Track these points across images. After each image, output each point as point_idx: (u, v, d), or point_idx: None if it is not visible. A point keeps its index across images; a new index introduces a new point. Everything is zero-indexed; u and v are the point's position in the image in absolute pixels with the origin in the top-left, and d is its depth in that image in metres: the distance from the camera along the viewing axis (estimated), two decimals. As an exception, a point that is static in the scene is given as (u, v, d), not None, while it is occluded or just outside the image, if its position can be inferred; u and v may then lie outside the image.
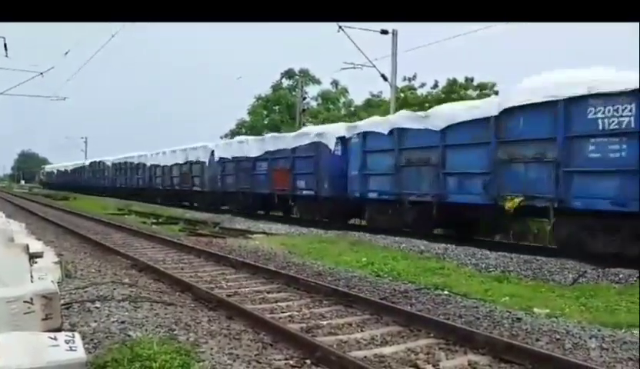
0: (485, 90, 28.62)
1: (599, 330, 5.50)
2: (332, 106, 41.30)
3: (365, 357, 4.70)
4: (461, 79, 29.33)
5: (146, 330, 5.20)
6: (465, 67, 66.02)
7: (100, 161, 43.86)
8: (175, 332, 5.24)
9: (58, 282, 5.25)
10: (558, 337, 5.32)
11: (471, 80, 29.18)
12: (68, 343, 3.18)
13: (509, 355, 4.64)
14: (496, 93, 28.11)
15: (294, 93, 39.36)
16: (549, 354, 4.58)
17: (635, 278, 7.92)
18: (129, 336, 4.96)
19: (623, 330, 5.53)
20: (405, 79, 30.76)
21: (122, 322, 5.46)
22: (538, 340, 5.27)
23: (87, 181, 46.99)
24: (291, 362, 4.59)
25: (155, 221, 20.29)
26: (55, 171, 64.60)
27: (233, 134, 43.42)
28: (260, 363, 4.53)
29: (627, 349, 4.92)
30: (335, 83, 41.62)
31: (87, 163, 49.80)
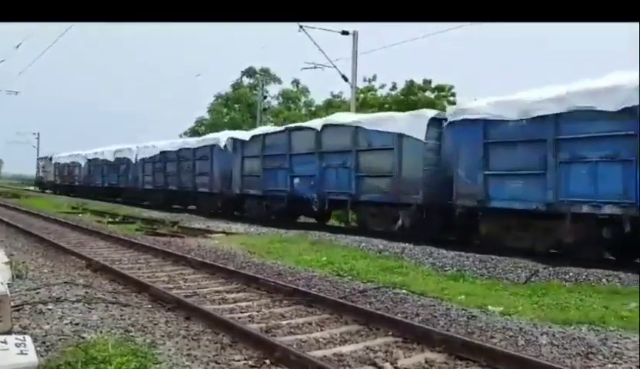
0: (442, 92, 29.17)
1: (550, 327, 5.69)
2: (293, 105, 41.30)
3: (325, 356, 4.72)
4: (419, 81, 29.78)
5: (101, 332, 5.08)
6: (424, 69, 67.05)
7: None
8: (131, 334, 5.14)
9: (7, 283, 5.07)
10: (511, 334, 5.48)
11: (429, 82, 29.66)
12: (18, 346, 3.08)
13: (465, 352, 4.75)
14: (453, 95, 28.72)
15: (254, 92, 39.14)
16: (503, 350, 4.71)
17: (583, 276, 8.23)
18: (83, 338, 4.84)
19: (572, 327, 5.73)
20: (365, 80, 31.07)
21: (76, 324, 5.32)
22: (492, 337, 5.41)
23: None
24: (250, 362, 4.57)
25: (111, 220, 19.81)
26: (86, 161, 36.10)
27: (192, 132, 42.88)
28: (219, 363, 4.50)
29: (575, 345, 5.11)
30: (296, 82, 41.67)
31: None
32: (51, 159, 43.66)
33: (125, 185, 29.47)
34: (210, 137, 22.71)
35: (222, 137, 21.04)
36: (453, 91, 29.03)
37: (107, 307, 6.13)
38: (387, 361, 4.63)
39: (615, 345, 5.06)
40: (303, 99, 42.37)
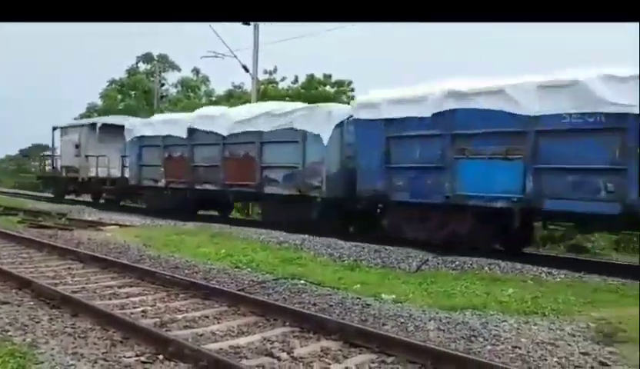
0: (342, 87, 29.76)
1: (437, 313, 6.03)
2: (193, 94, 40.19)
3: (221, 348, 4.67)
4: (319, 75, 30.18)
5: (-26, 332, 4.66)
6: (326, 64, 67.97)
7: None
8: (9, 333, 4.78)
9: None
10: (402, 320, 5.74)
11: (329, 77, 30.15)
12: None
13: (359, 339, 4.90)
14: (352, 90, 29.43)
15: (152, 78, 37.62)
16: (394, 336, 4.92)
17: (468, 265, 8.79)
18: (-48, 340, 4.41)
19: (457, 312, 6.10)
20: (266, 72, 30.95)
21: (-56, 325, 4.85)
22: (384, 324, 5.64)
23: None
24: (142, 358, 4.40)
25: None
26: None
27: (83, 117, 40.48)
28: (108, 361, 4.30)
29: (460, 329, 5.45)
30: (196, 71, 40.58)
31: None
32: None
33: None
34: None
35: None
36: (352, 86, 29.72)
37: (-19, 305, 5.64)
38: (283, 351, 4.67)
39: (495, 328, 5.46)
40: (203, 88, 41.35)
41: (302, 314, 5.68)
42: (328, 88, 29.87)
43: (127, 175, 19.29)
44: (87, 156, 21.53)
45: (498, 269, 8.52)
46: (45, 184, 29.29)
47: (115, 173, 20.54)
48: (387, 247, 10.25)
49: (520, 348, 4.85)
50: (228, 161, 14.81)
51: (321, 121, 12.56)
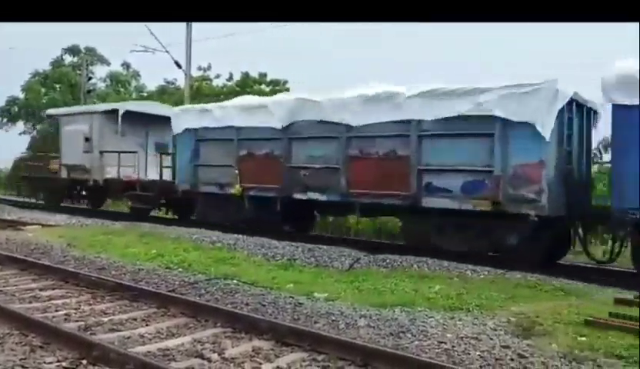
0: (277, 86, 29.72)
1: (368, 310, 6.15)
2: (123, 89, 38.81)
3: (149, 351, 4.56)
4: (254, 74, 30.01)
5: None
6: (265, 62, 67.51)
7: None
8: None
9: None
10: (333, 318, 5.82)
11: (265, 75, 30.04)
12: None
13: (291, 338, 4.93)
14: (288, 90, 29.48)
15: (78, 71, 36.02)
16: (325, 334, 4.99)
17: (398, 263, 9.02)
18: None
19: (387, 309, 6.25)
20: (200, 69, 30.43)
21: None
22: (316, 322, 5.69)
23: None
24: (64, 364, 4.23)
25: None
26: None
27: (3, 112, 38.20)
28: (26, 367, 4.09)
29: (389, 325, 5.59)
30: (127, 65, 39.19)
31: None
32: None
33: None
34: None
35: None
36: (287, 86, 29.72)
37: None
38: (214, 352, 4.62)
39: (422, 324, 5.64)
40: (134, 83, 40.00)
41: (234, 314, 5.64)
42: (263, 86, 29.74)
43: (164, 178, 15.82)
44: (102, 152, 16.91)
45: (426, 267, 8.79)
46: (31, 187, 22.36)
47: (150, 175, 16.42)
48: (321, 247, 10.34)
49: (445, 343, 5.04)
50: (357, 162, 10.87)
51: (536, 104, 8.83)
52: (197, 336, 5.09)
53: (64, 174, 18.15)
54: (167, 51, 21.22)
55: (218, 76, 31.16)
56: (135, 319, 5.64)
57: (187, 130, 13.96)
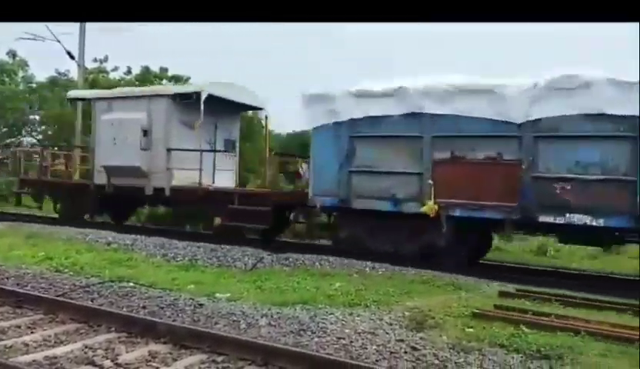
0: (179, 82, 28.91)
1: (270, 309, 6.15)
2: (8, 79, 35.88)
3: (34, 360, 4.26)
4: (155, 68, 29.01)
5: None
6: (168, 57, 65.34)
7: None
8: None
9: None
10: (235, 318, 5.77)
11: (166, 70, 29.12)
12: None
13: (190, 341, 4.82)
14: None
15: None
16: (225, 335, 4.93)
17: (301, 261, 9.13)
18: None
19: (289, 308, 6.30)
20: (95, 61, 28.90)
21: None
22: (217, 323, 5.61)
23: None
24: None
25: None
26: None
27: None
28: None
29: (290, 323, 5.63)
30: (13, 54, 36.27)
31: None
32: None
33: None
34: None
35: None
36: (190, 81, 29.00)
37: None
38: (107, 358, 4.41)
39: (322, 321, 5.74)
40: (21, 73, 37.10)
41: (129, 317, 5.42)
42: (164, 82, 28.78)
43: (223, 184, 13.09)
44: (169, 150, 12.75)
45: (327, 265, 8.96)
46: (40, 195, 17.21)
47: (218, 181, 13.18)
48: (223, 246, 10.21)
49: (344, 339, 5.17)
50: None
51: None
52: (88, 342, 4.83)
53: (95, 178, 13.84)
54: (58, 41, 19.92)
55: (115, 68, 29.75)
56: (19, 326, 5.26)
57: (335, 123, 10.41)
